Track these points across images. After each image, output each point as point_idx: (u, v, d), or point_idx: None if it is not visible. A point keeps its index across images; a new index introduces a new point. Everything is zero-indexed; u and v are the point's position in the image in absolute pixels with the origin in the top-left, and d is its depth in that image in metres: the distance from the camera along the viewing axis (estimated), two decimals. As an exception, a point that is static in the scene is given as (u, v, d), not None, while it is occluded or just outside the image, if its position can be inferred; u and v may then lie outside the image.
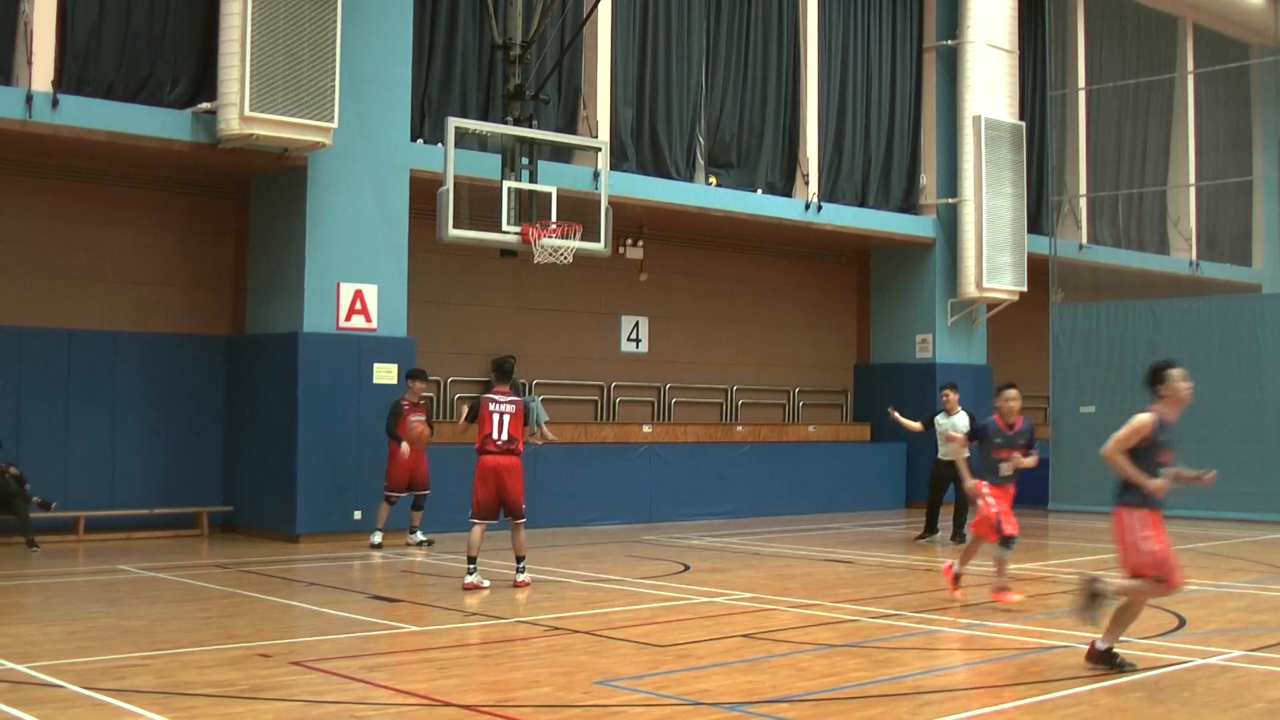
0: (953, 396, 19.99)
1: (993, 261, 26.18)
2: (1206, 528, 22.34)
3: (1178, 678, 10.04)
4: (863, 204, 25.79)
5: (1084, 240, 30.01)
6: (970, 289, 26.19)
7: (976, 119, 26.22)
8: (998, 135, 26.39)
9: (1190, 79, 33.11)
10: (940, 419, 19.90)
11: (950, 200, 26.63)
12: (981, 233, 26.05)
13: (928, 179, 27.01)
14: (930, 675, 10.16)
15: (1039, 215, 28.76)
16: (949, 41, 26.95)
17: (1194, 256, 32.82)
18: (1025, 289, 26.88)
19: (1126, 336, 26.50)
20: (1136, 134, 32.20)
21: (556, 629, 11.73)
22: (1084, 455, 26.24)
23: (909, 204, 26.80)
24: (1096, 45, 30.88)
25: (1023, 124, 27.18)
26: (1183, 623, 12.52)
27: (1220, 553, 17.74)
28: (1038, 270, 27.53)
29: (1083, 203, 30.38)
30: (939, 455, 19.93)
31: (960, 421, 19.38)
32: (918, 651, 10.97)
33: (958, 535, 19.54)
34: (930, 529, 20.25)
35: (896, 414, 20.41)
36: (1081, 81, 30.45)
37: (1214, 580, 15.93)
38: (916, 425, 20.06)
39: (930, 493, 20.38)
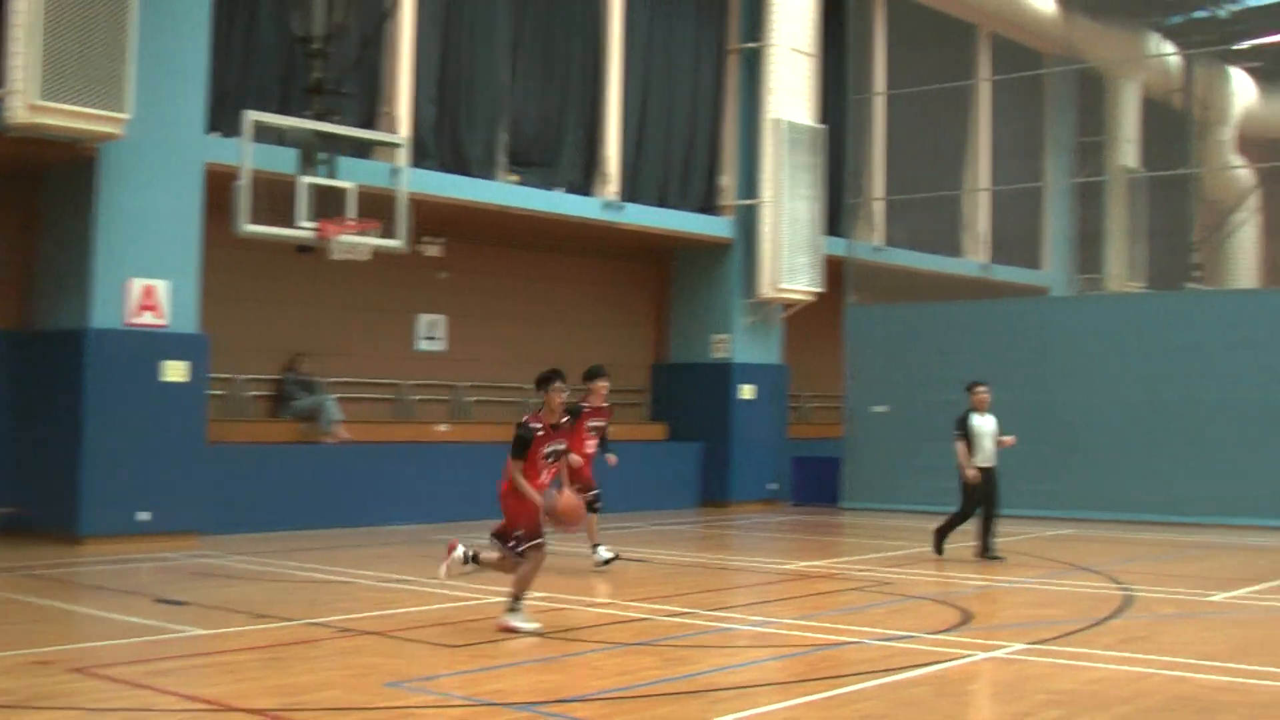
0: (986, 395, 18.06)
1: (790, 262, 26.46)
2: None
3: (963, 671, 10.26)
4: (663, 204, 25.90)
5: (880, 243, 30.52)
6: (767, 289, 26.45)
7: (777, 121, 26.48)
8: (798, 138, 26.68)
9: (986, 86, 33.84)
10: (975, 419, 17.90)
11: (749, 201, 26.86)
12: (780, 234, 26.33)
13: (728, 180, 27.24)
14: (723, 673, 10.23)
15: (837, 217, 29.13)
16: (751, 44, 27.18)
17: (985, 259, 33.57)
18: (822, 290, 27.22)
19: (920, 337, 27.04)
20: (933, 139, 32.80)
21: (347, 630, 11.59)
22: (876, 454, 26.77)
23: (709, 205, 26.99)
24: (896, 51, 31.37)
25: (823, 127, 27.49)
26: (968, 617, 12.79)
27: (1006, 549, 18.15)
28: (836, 272, 27.91)
29: (880, 205, 30.89)
30: (978, 462, 17.76)
31: (993, 421, 17.90)
32: (710, 649, 11.05)
33: (987, 551, 17.75)
34: (939, 544, 18.03)
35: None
36: (881, 86, 30.94)
37: (1000, 576, 16.30)
38: (963, 446, 17.80)
39: (970, 504, 17.85)
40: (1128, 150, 35.67)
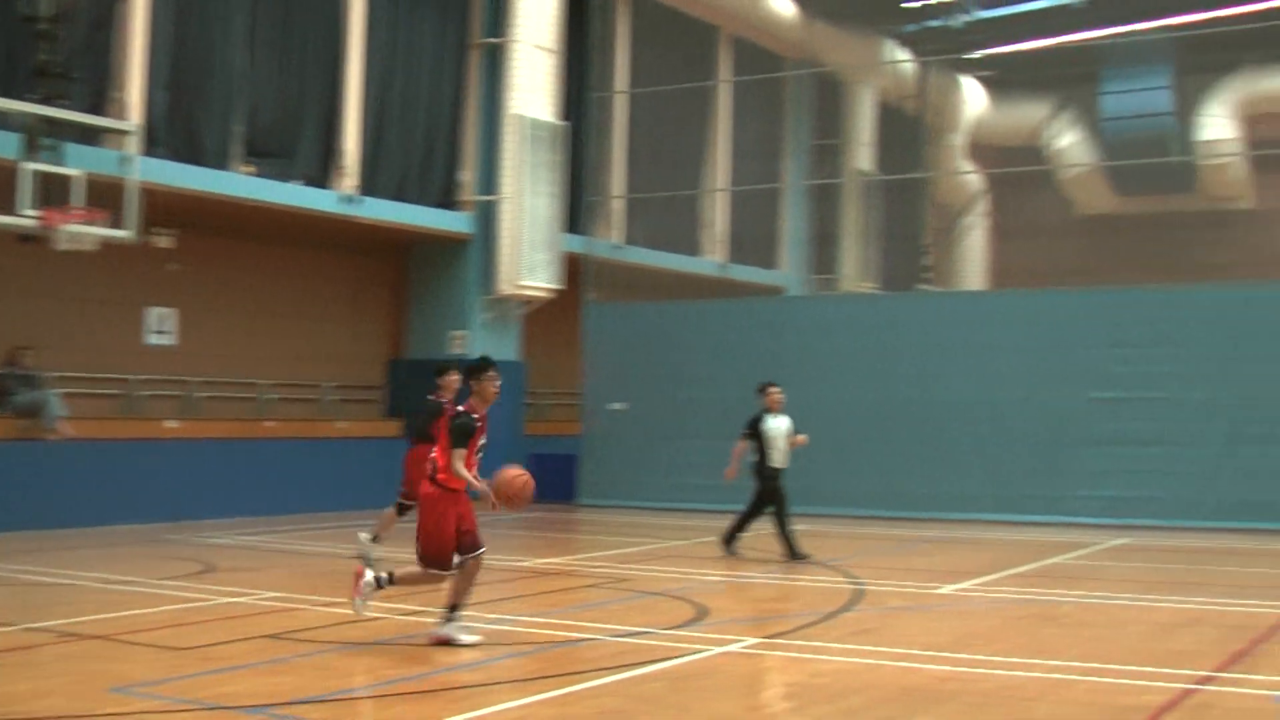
0: (779, 395, 17.94)
1: (529, 259, 26.42)
2: (723, 521, 23.11)
3: (700, 666, 10.32)
4: (402, 198, 25.60)
5: (620, 240, 30.66)
6: (506, 286, 26.37)
7: (518, 118, 26.40)
8: (539, 134, 26.64)
9: (727, 87, 34.23)
10: (768, 420, 17.77)
11: (489, 197, 26.73)
12: (519, 231, 26.27)
13: (468, 175, 27.06)
14: (459, 671, 10.12)
15: (577, 215, 29.17)
16: (494, 40, 27.03)
17: (723, 259, 33.97)
18: (562, 287, 27.25)
19: (659, 336, 27.26)
20: (674, 138, 33.04)
21: (70, 635, 11.16)
22: (613, 452, 26.90)
23: (448, 200, 26.78)
24: (639, 50, 31.53)
25: (564, 124, 27.50)
26: (704, 612, 12.89)
27: (742, 545, 18.37)
28: (576, 269, 27.95)
29: (620, 204, 31.03)
30: (769, 463, 17.64)
31: (786, 422, 17.85)
32: (445, 647, 10.90)
33: (795, 553, 17.44)
34: (792, 549, 17.48)
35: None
36: (623, 85, 31.08)
37: (734, 571, 16.50)
38: (742, 445, 17.78)
39: (780, 507, 17.63)
40: (863, 154, 36.50)
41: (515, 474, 10.87)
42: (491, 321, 26.95)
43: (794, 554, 17.44)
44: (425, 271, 27.53)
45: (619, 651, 10.74)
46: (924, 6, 36.00)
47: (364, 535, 15.85)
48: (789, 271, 36.20)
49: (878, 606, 13.69)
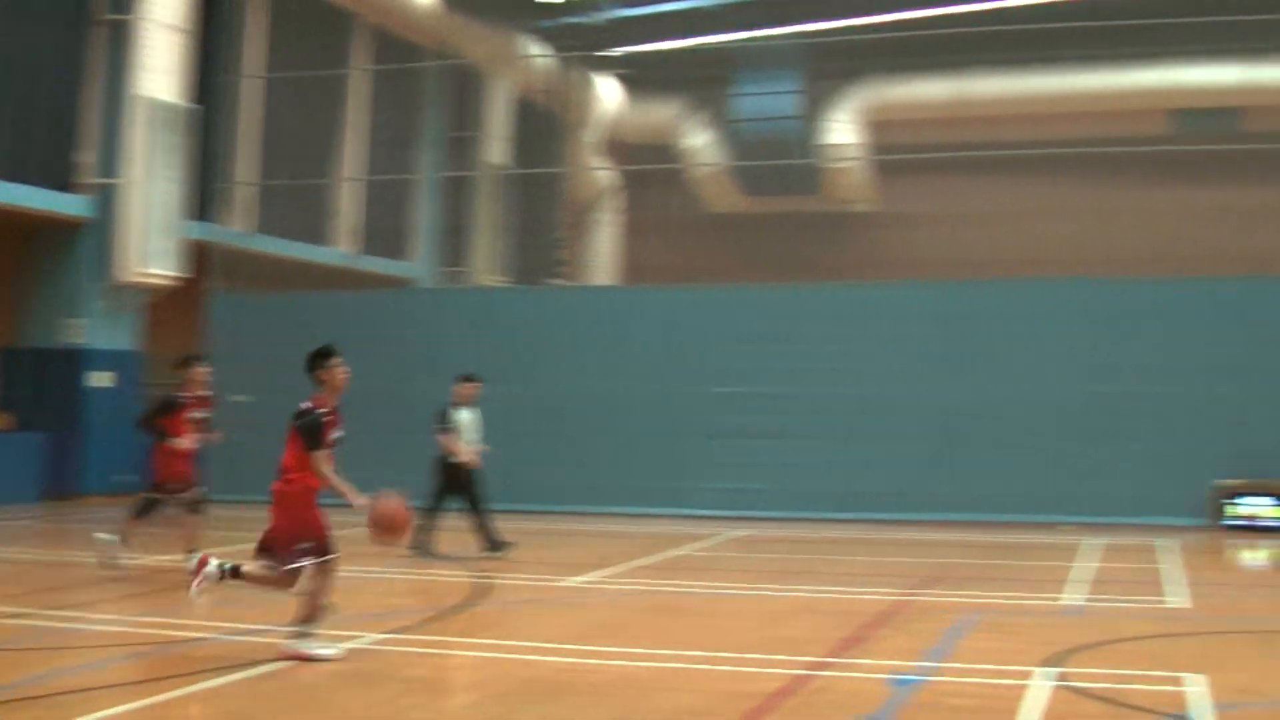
0: (470, 389, 18.13)
1: (152, 246, 25.56)
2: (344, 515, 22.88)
3: (320, 664, 10.17)
4: (16, 179, 24.44)
5: (249, 228, 29.98)
6: (127, 273, 25.48)
7: (143, 99, 25.53)
8: (165, 117, 25.80)
9: (363, 76, 33.84)
10: (456, 413, 17.93)
11: (110, 180, 25.76)
12: (141, 216, 25.41)
13: (87, 157, 26.03)
14: (67, 675, 9.74)
15: (206, 201, 28.40)
16: (119, 16, 26.03)
17: (355, 249, 33.60)
18: (189, 275, 26.51)
19: (286, 326, 26.72)
20: (308, 126, 32.51)
21: None
22: (240, 445, 26.29)
23: (65, 182, 25.69)
24: (275, 34, 30.85)
25: (195, 107, 26.71)
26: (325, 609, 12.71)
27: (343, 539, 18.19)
28: (205, 258, 27.21)
29: (250, 191, 30.32)
30: (450, 460, 17.80)
31: (475, 415, 17.98)
32: (51, 651, 10.48)
33: (497, 545, 17.54)
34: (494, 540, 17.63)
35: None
36: (257, 69, 30.35)
37: (357, 566, 16.33)
38: (446, 437, 17.80)
39: (468, 498, 17.81)
40: (497, 147, 36.58)
41: (396, 510, 10.50)
42: (110, 310, 26.01)
43: (496, 545, 17.56)
44: (40, 256, 26.34)
45: (237, 650, 10.54)
46: (564, 3, 36.29)
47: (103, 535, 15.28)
48: (420, 263, 36.06)
49: (502, 600, 13.76)
